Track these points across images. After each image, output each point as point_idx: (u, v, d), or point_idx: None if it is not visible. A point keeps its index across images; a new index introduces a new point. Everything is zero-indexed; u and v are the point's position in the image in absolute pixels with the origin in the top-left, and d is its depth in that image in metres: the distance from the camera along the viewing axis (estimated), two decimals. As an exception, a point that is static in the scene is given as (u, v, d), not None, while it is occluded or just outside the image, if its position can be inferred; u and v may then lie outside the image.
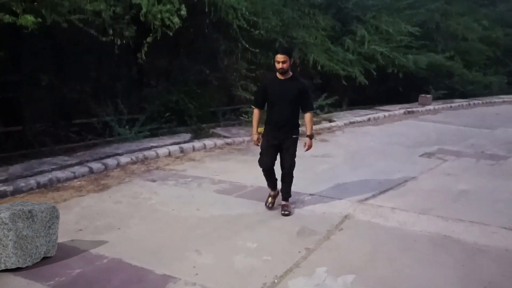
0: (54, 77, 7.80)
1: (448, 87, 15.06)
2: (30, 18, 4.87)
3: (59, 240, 3.69)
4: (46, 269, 3.35)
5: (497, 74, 16.60)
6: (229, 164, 6.54)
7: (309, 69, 11.06)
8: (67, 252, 3.62)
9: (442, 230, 4.12)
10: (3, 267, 3.24)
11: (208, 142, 7.76)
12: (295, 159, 4.49)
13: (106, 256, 3.55)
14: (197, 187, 5.41)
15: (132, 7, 7.27)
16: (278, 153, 4.51)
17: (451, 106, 13.28)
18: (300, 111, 4.49)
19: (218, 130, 8.68)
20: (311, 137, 4.49)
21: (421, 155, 7.15)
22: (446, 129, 9.63)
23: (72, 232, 4.00)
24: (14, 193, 4.98)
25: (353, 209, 4.64)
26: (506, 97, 15.55)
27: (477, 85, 15.73)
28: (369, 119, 10.73)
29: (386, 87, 14.37)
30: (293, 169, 4.52)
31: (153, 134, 8.15)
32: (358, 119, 10.54)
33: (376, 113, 11.39)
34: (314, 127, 9.24)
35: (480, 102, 14.41)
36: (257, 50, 9.47)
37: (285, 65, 4.22)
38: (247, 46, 8.97)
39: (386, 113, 11.43)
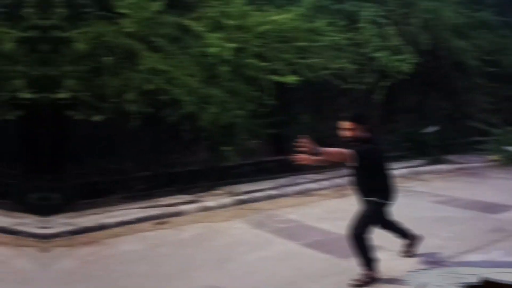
0: (311, 117, 10.05)
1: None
2: (291, 78, 7.07)
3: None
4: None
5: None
6: (453, 184, 7.22)
7: None
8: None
9: None
10: None
11: (439, 166, 8.51)
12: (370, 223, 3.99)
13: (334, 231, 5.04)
14: (417, 198, 6.42)
15: (371, 59, 8.85)
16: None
17: None
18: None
19: (452, 157, 9.22)
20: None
21: None
22: None
23: (318, 219, 5.70)
24: (280, 196, 7.07)
25: None
26: None
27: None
28: None
29: None
30: (357, 232, 3.92)
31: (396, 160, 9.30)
32: None
33: None
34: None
35: None
36: (497, 85, 9.80)
37: (348, 133, 3.82)
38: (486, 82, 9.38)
39: None
